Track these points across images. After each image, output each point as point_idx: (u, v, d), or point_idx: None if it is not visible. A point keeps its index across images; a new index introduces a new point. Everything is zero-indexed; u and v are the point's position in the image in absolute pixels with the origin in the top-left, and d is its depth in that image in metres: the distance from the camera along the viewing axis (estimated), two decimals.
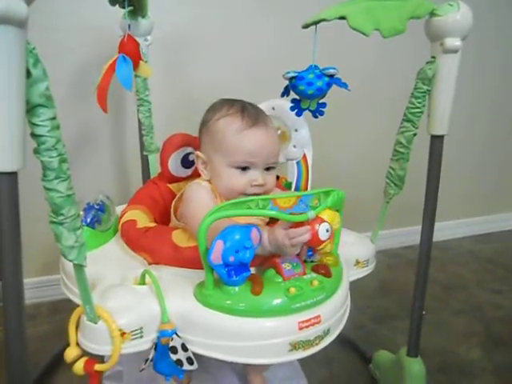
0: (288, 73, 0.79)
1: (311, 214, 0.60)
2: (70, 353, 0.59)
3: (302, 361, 1.02)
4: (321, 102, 0.82)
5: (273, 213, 0.58)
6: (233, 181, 0.76)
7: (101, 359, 0.60)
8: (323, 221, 0.62)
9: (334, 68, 0.78)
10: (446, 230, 1.78)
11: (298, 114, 0.84)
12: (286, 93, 0.84)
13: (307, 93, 0.79)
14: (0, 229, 0.46)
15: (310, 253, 0.66)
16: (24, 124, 0.44)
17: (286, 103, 0.87)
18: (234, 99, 0.82)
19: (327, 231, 0.62)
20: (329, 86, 0.79)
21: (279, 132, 0.94)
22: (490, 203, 1.95)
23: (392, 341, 1.13)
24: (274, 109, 0.94)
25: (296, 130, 0.94)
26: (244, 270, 0.57)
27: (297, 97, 0.82)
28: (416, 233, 0.87)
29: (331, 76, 0.78)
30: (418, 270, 0.87)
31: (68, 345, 0.60)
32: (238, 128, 0.76)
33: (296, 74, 0.78)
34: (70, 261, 0.51)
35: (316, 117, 0.83)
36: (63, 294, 0.75)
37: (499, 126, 1.84)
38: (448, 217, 1.82)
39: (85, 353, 0.59)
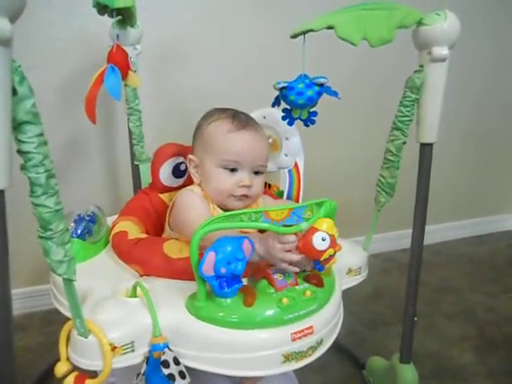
0: (278, 83, 0.79)
1: (304, 225, 0.60)
2: (61, 368, 0.59)
3: None
4: (312, 110, 0.83)
5: (265, 225, 0.58)
6: (221, 181, 0.78)
7: (93, 373, 0.59)
8: (317, 230, 0.62)
9: (323, 77, 0.78)
10: (437, 232, 1.79)
11: (290, 124, 0.85)
12: (276, 103, 0.85)
13: (298, 102, 0.79)
14: None
15: (318, 265, 0.64)
16: (10, 142, 0.44)
17: (277, 112, 0.87)
18: (228, 108, 0.84)
19: (323, 240, 0.61)
20: (319, 95, 0.80)
21: (270, 141, 0.94)
22: (480, 206, 1.97)
23: (385, 346, 1.12)
24: (265, 117, 0.94)
25: (287, 139, 0.94)
26: (236, 282, 0.57)
27: (288, 106, 0.83)
28: (409, 236, 0.87)
29: (321, 85, 0.79)
30: (410, 274, 0.87)
31: (59, 358, 0.59)
32: (228, 130, 0.79)
33: (286, 85, 0.79)
34: (59, 275, 0.51)
35: (307, 125, 0.84)
36: None
37: (489, 130, 1.86)
38: (439, 220, 1.83)
39: (75, 367, 0.59)
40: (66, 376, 0.58)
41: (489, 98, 1.80)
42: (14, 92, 0.43)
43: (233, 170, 0.78)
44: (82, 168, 1.28)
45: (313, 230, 0.62)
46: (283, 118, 0.85)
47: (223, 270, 0.55)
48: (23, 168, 0.46)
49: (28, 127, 0.45)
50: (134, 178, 1.10)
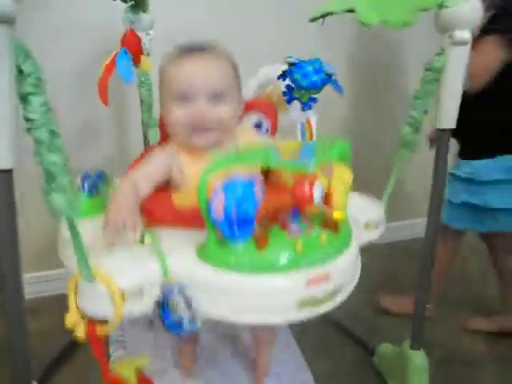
0: (290, 57, 0.79)
1: (311, 165, 0.57)
2: (70, 317, 0.57)
3: (305, 353, 1.02)
4: (313, 96, 0.82)
5: (274, 162, 0.56)
6: (173, 115, 0.72)
7: (103, 321, 0.57)
8: (317, 181, 0.58)
9: (333, 69, 0.78)
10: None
11: (288, 101, 0.84)
12: (282, 77, 0.84)
13: (300, 83, 0.79)
14: None
15: (295, 213, 0.59)
16: (17, 122, 0.45)
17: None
18: None
19: (321, 193, 0.58)
20: (323, 83, 0.79)
21: (276, 97, 0.90)
22: None
23: (395, 333, 1.09)
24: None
25: None
26: (247, 225, 0.54)
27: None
28: (420, 225, 0.86)
29: (329, 75, 0.79)
30: (422, 263, 0.86)
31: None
32: (174, 61, 0.73)
33: (296, 61, 0.79)
34: (63, 218, 0.50)
35: (303, 109, 0.83)
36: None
37: None
38: None
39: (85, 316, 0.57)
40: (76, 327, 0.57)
41: None
42: (20, 71, 0.44)
43: (185, 101, 0.70)
44: (94, 149, 1.28)
45: (316, 178, 0.58)
46: (283, 94, 0.84)
47: (234, 212, 0.52)
48: (29, 130, 0.47)
49: (32, 98, 0.46)
50: None
